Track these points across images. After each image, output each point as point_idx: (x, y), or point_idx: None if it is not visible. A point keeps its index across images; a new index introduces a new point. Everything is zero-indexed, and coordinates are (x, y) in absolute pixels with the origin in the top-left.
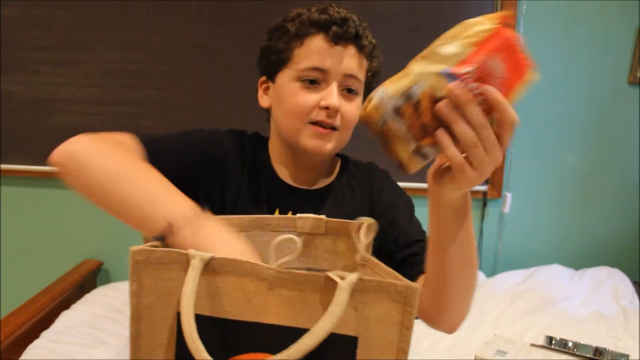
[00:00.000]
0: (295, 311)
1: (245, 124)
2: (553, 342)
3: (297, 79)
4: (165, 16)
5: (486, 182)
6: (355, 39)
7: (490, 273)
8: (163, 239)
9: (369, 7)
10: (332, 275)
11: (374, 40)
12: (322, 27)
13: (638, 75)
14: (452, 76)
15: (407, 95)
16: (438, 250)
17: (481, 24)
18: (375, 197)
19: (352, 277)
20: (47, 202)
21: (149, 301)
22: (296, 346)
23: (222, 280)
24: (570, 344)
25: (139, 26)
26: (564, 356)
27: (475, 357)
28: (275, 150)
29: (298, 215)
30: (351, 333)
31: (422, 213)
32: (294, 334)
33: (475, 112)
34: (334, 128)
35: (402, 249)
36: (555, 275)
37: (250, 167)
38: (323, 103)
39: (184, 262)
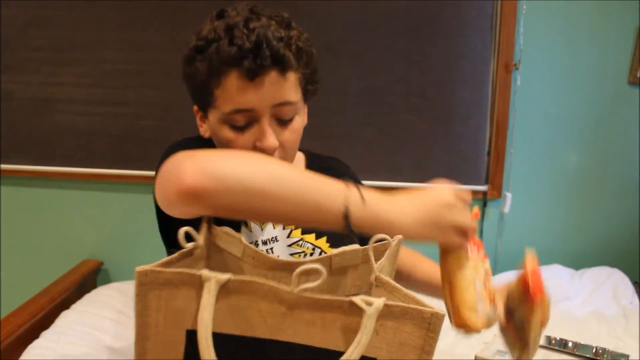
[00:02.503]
0: (314, 333)
1: None
2: (553, 342)
3: (225, 122)
4: (165, 16)
5: (486, 182)
6: (274, 64)
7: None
8: (348, 225)
9: (369, 7)
10: (358, 300)
11: (300, 44)
12: (234, 63)
13: (638, 75)
14: None
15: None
16: None
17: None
18: None
19: (379, 302)
20: (47, 202)
21: (156, 320)
22: None
23: (238, 299)
24: (570, 344)
25: (139, 26)
26: (564, 356)
27: (475, 357)
28: None
29: (334, 252)
30: (370, 355)
31: None
32: (311, 352)
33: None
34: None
35: None
36: (555, 275)
37: None
38: (258, 145)
39: (196, 283)
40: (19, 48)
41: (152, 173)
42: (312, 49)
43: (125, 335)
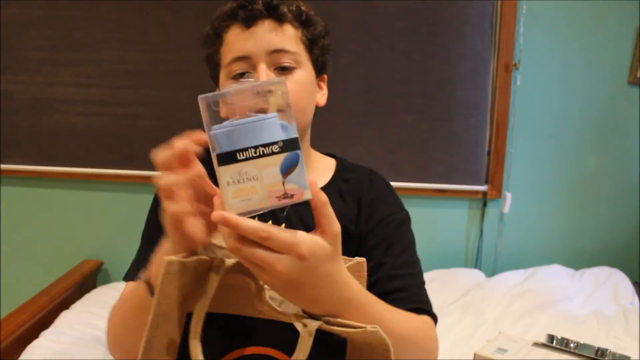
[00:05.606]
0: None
1: None
2: (555, 341)
3: (229, 77)
4: (165, 16)
5: (486, 182)
6: (268, 12)
7: (490, 273)
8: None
9: (369, 7)
10: (296, 323)
11: (303, 7)
12: (232, 16)
13: (638, 75)
14: None
15: None
16: None
17: None
18: (364, 211)
19: (313, 325)
20: (47, 202)
21: (169, 308)
22: None
23: (235, 278)
24: (572, 344)
25: (139, 26)
26: (565, 355)
27: (475, 355)
28: None
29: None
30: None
31: (417, 213)
32: (288, 328)
33: None
34: None
35: (389, 281)
36: (555, 275)
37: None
38: None
39: (206, 269)
40: (19, 48)
41: (153, 173)
42: (318, 17)
43: None
